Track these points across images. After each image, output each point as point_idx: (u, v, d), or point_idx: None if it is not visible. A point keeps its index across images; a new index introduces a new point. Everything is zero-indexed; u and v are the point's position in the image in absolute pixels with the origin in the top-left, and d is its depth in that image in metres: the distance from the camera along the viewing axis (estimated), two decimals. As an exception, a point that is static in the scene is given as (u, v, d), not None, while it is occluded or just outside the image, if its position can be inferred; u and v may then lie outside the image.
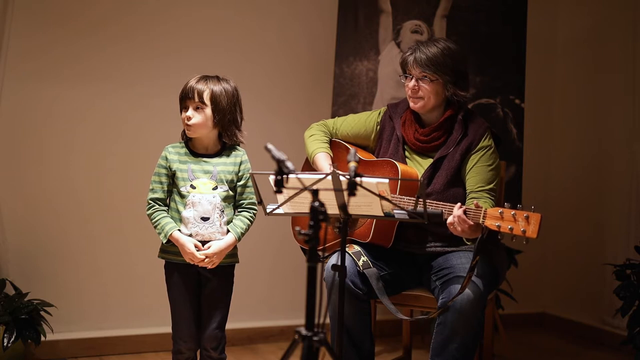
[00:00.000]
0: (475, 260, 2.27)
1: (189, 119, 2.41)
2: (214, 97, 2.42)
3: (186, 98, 2.43)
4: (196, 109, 2.42)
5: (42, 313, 3.02)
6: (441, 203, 2.36)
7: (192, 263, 2.40)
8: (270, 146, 1.86)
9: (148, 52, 3.39)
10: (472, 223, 2.24)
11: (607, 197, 3.94)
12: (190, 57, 3.43)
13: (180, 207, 2.44)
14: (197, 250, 2.38)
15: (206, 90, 2.42)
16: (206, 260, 2.39)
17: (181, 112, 2.46)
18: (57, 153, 3.24)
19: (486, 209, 2.23)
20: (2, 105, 3.12)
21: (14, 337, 2.88)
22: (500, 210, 2.19)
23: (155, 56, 3.39)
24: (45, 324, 3.01)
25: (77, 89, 3.25)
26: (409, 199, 2.43)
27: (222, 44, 3.55)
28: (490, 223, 2.20)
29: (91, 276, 3.29)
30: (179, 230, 2.42)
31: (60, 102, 3.22)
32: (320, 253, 1.76)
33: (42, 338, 2.97)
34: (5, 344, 2.86)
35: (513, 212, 2.16)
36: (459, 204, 2.29)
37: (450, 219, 2.28)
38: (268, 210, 2.19)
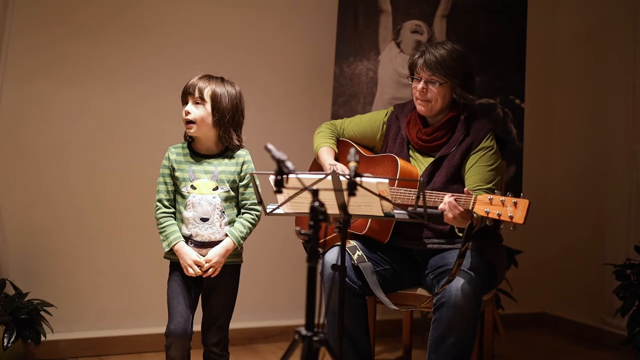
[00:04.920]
0: (464, 246, 2.28)
1: (187, 113, 2.43)
2: (214, 96, 2.44)
3: (187, 93, 2.45)
4: (195, 104, 2.43)
5: (42, 313, 3.02)
6: (434, 192, 2.37)
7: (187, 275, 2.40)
8: (270, 146, 1.85)
9: (147, 51, 3.38)
10: (462, 209, 2.26)
11: (607, 197, 3.94)
12: (190, 57, 3.43)
13: (181, 208, 2.45)
14: (197, 266, 2.39)
15: (207, 88, 2.43)
16: (210, 270, 2.40)
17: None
18: (56, 152, 3.23)
19: (476, 196, 2.25)
20: (1, 104, 3.12)
21: (14, 337, 2.88)
22: (490, 196, 2.21)
23: (154, 55, 3.39)
24: (45, 324, 3.01)
25: (77, 87, 3.25)
26: (405, 190, 2.45)
27: (222, 43, 3.55)
28: (479, 208, 2.22)
29: (91, 276, 3.29)
30: (183, 235, 2.43)
31: (60, 101, 3.22)
32: (319, 249, 1.76)
33: (42, 338, 2.97)
34: (5, 344, 2.86)
35: (502, 198, 2.17)
36: (450, 193, 2.31)
37: (441, 206, 2.29)
38: (268, 210, 2.20)
